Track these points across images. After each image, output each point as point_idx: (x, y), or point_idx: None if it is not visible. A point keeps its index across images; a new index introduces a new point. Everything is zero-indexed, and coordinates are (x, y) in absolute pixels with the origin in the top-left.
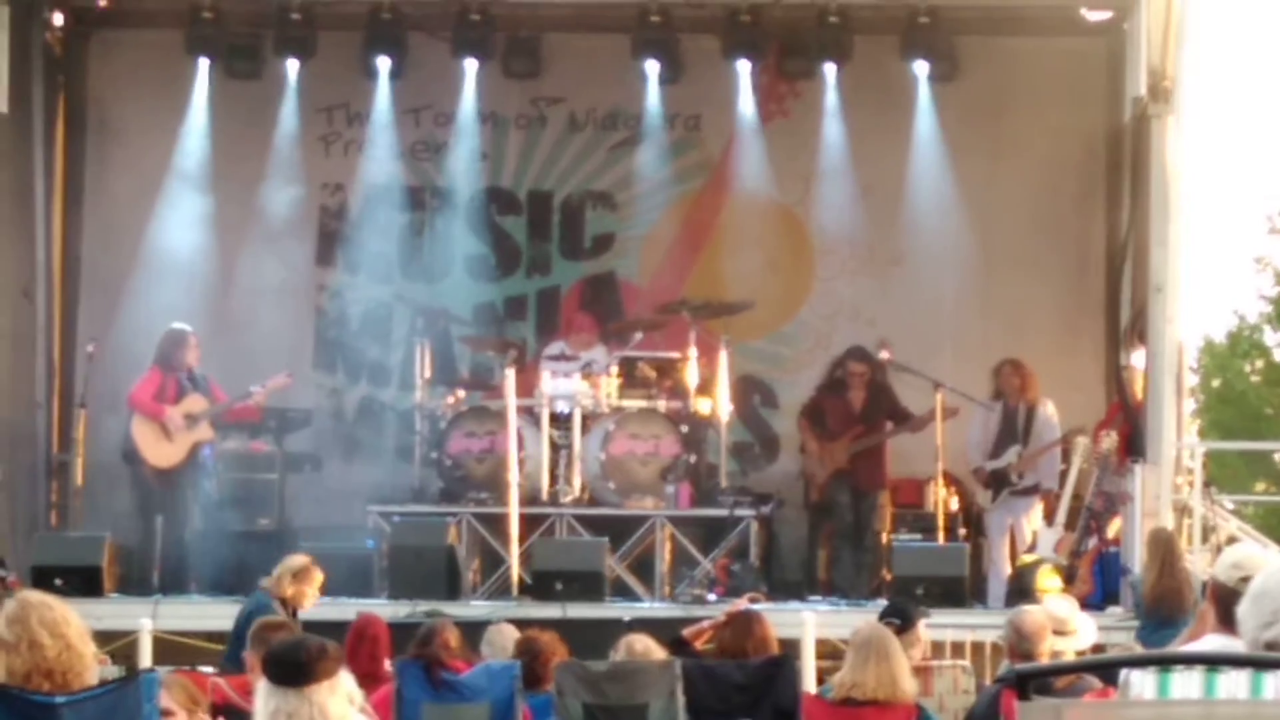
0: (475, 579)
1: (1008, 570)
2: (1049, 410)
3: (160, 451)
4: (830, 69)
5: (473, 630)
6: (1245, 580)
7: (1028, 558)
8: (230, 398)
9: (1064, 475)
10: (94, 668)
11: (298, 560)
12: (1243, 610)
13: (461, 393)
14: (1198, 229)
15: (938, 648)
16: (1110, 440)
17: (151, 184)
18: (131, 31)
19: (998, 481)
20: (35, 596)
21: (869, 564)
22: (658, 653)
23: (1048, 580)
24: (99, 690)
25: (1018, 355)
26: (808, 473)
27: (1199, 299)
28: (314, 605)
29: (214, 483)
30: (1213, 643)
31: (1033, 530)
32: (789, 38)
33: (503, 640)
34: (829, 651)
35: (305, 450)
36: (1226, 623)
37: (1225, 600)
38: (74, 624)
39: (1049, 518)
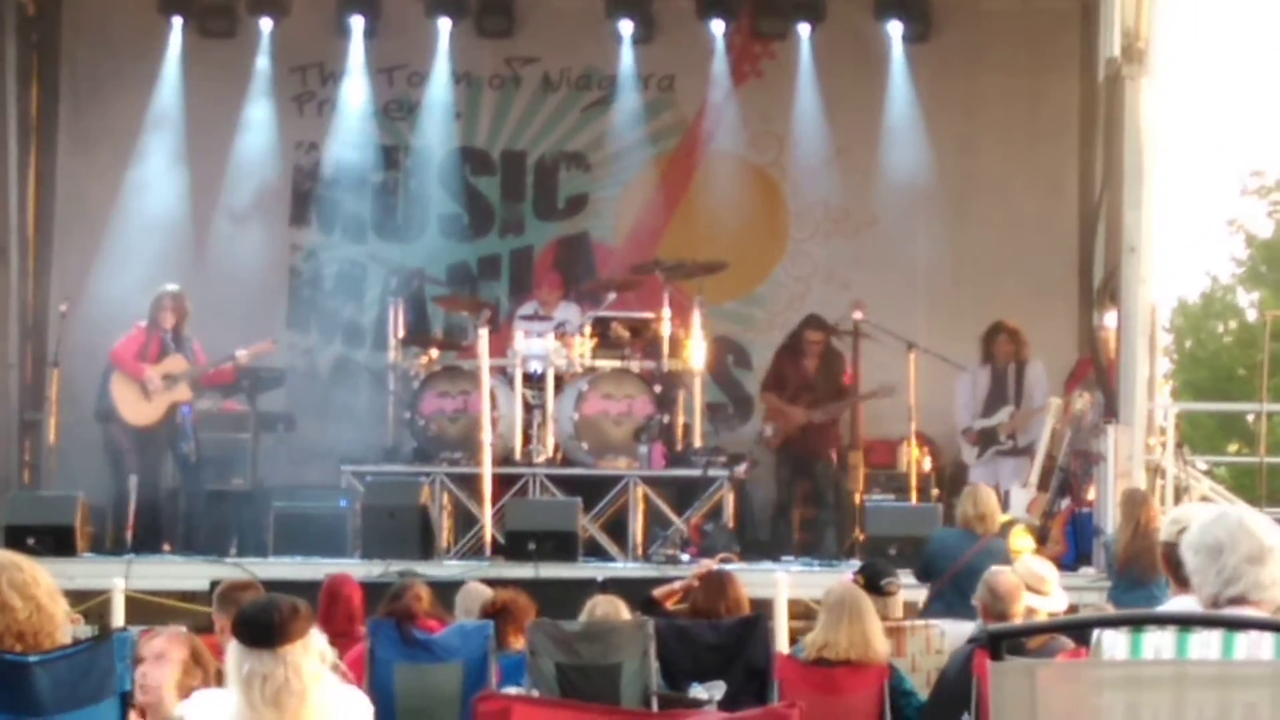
0: (448, 539)
1: None
2: (1039, 369)
3: (138, 410)
4: (804, 29)
5: (446, 590)
6: (1184, 532)
7: (1001, 518)
8: (211, 360)
9: None
10: (66, 627)
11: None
12: (1195, 565)
13: (435, 352)
14: (1171, 190)
15: (910, 608)
16: (1083, 400)
17: (125, 143)
18: None
19: (985, 440)
20: (5, 557)
21: (832, 522)
22: (624, 615)
23: (1020, 541)
24: (71, 650)
25: (991, 315)
26: (764, 437)
27: (1172, 260)
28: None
29: (191, 444)
30: (1181, 603)
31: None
32: None
33: (477, 603)
34: (802, 612)
35: (279, 410)
36: (1186, 583)
37: (1176, 560)
38: (44, 584)
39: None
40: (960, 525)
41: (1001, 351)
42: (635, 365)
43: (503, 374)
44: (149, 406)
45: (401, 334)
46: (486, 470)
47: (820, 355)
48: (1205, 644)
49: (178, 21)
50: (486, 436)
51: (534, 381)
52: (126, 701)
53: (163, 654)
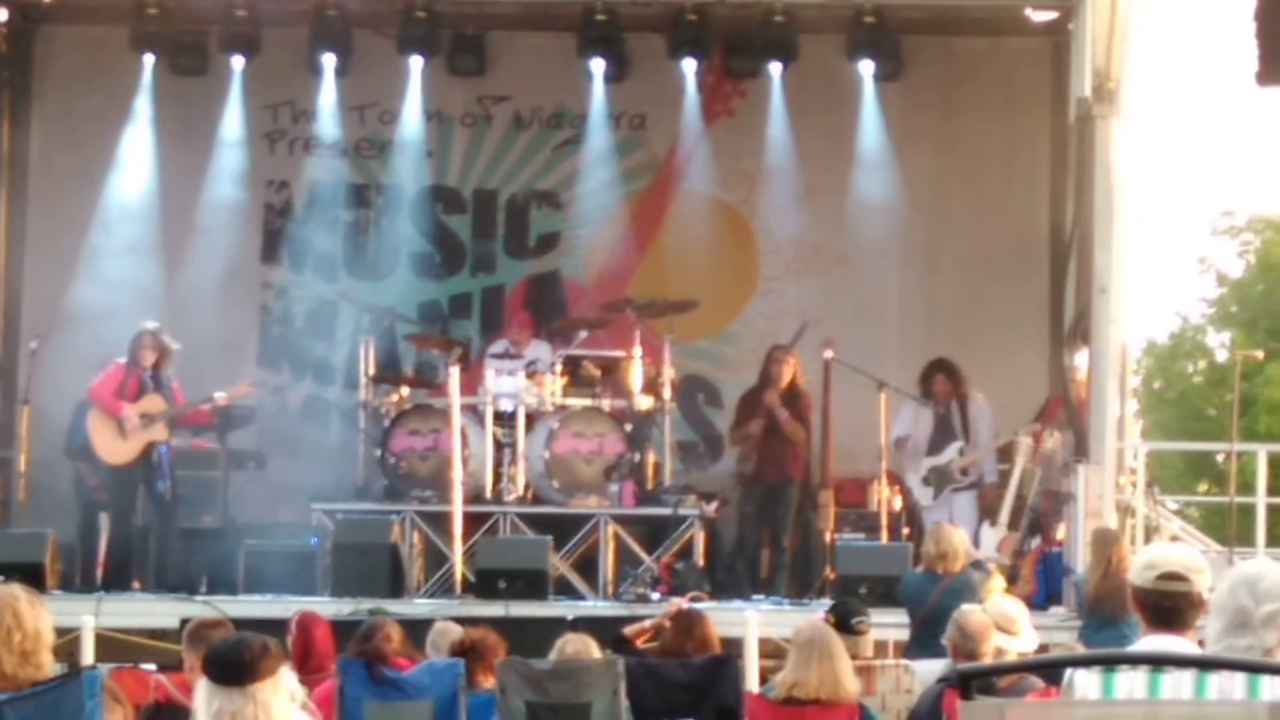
0: (419, 577)
1: None
2: (980, 401)
3: (114, 448)
4: (776, 68)
5: (416, 628)
6: (1163, 578)
7: (964, 556)
8: (189, 401)
9: (1007, 475)
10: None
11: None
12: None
13: (406, 391)
14: (1142, 230)
15: (880, 646)
16: (1054, 440)
17: (96, 180)
18: (77, 27)
19: (940, 479)
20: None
21: (785, 562)
22: (594, 653)
23: (992, 580)
24: (41, 687)
25: (962, 354)
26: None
27: (1142, 300)
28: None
29: (168, 483)
30: (1152, 644)
31: (973, 526)
32: (734, 36)
33: (447, 641)
34: (772, 650)
35: (249, 448)
36: (1156, 624)
37: (1147, 602)
38: (28, 629)
39: (988, 514)
40: (925, 567)
41: (940, 389)
42: (606, 404)
43: (473, 412)
44: (125, 445)
45: (372, 372)
46: (457, 508)
47: (783, 387)
48: (1177, 684)
49: (149, 59)
50: (457, 475)
51: (505, 420)
52: None
53: None
